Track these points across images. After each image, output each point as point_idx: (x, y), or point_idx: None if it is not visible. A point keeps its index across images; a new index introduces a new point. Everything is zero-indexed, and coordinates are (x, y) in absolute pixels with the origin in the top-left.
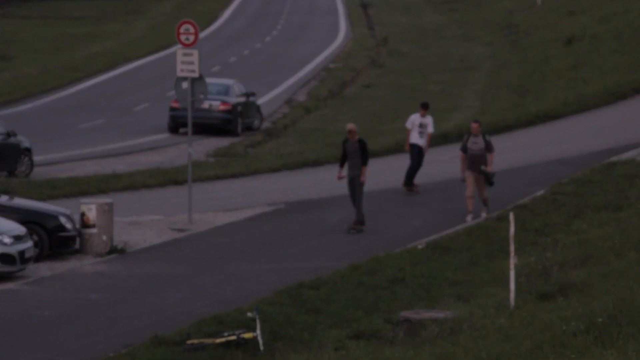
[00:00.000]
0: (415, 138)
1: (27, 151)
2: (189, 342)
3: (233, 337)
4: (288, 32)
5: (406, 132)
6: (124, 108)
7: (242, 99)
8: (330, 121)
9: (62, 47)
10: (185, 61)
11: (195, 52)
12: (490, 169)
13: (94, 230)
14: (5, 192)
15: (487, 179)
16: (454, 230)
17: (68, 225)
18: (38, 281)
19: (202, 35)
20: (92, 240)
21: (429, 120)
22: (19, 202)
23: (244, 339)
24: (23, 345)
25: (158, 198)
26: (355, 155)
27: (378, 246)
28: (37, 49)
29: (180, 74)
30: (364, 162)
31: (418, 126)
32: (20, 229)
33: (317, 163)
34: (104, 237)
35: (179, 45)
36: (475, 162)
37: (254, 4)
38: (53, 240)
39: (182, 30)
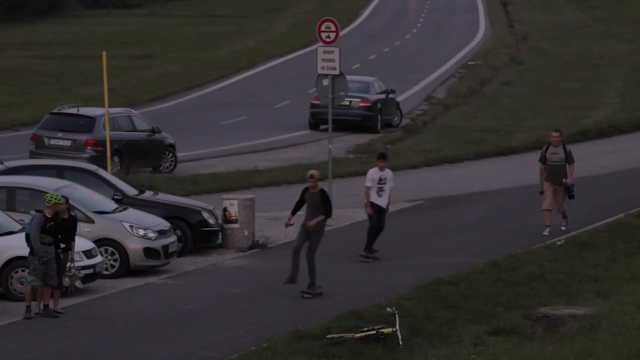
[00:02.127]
0: (373, 197)
1: (171, 147)
2: (329, 336)
3: (372, 332)
4: (428, 29)
5: (365, 190)
6: (265, 105)
7: (382, 96)
8: (470, 118)
9: (204, 46)
10: (326, 59)
11: (336, 50)
12: (570, 180)
13: (236, 226)
14: (149, 188)
15: (568, 192)
16: (594, 226)
17: (210, 221)
18: (181, 275)
19: (342, 33)
20: (234, 235)
21: (388, 174)
22: (163, 197)
23: (383, 333)
24: (166, 339)
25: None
26: (317, 207)
27: (517, 243)
28: (181, 47)
29: (321, 71)
30: (327, 215)
31: (377, 182)
32: (164, 224)
33: (455, 160)
34: (246, 232)
35: (320, 43)
36: (554, 173)
37: (394, 1)
38: (196, 235)
39: (323, 28)
